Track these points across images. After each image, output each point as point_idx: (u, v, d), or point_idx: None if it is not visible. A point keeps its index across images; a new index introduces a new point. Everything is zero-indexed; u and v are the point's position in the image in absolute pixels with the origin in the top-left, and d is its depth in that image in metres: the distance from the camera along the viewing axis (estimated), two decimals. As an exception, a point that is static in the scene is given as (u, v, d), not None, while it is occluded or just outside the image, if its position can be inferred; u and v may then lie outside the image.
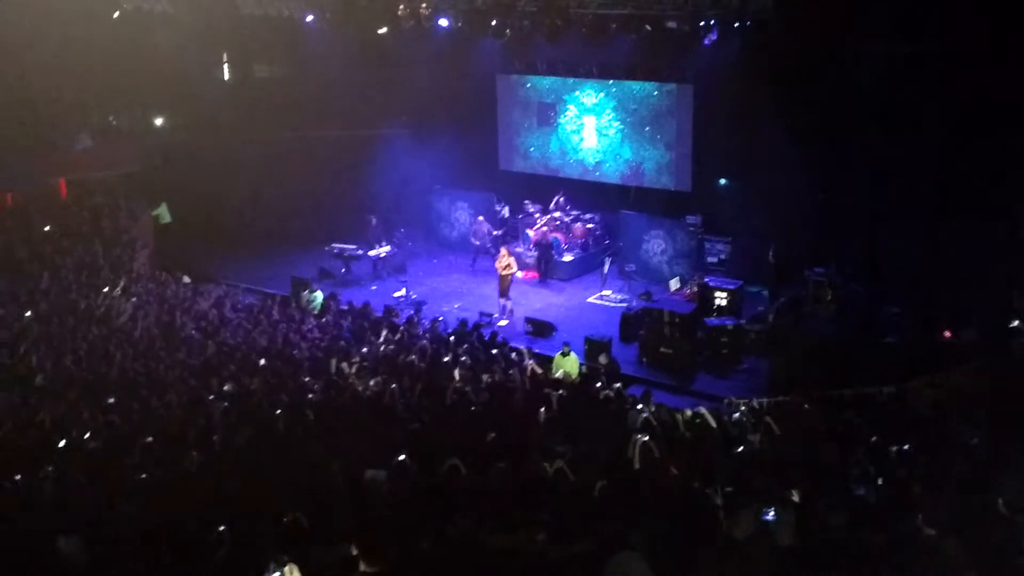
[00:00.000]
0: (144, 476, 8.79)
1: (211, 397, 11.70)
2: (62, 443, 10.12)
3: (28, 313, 15.53)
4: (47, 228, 20.28)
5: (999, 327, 13.53)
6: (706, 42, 18.74)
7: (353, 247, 21.49)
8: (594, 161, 22.98)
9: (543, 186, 23.37)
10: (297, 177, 23.15)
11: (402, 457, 8.56)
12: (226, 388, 12.25)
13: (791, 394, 12.69)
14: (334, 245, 21.57)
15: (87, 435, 10.43)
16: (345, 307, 17.05)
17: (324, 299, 18.06)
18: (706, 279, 18.64)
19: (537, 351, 15.37)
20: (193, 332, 15.15)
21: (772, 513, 6.98)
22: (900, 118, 17.05)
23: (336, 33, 22.47)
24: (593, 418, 11.09)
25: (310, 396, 11.64)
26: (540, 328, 17.75)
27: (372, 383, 12.25)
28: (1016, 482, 7.67)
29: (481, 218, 22.13)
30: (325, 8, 22.18)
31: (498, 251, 19.68)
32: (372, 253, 21.41)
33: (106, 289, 17.02)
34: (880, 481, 8.32)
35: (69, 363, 13.36)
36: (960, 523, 6.98)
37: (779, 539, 6.83)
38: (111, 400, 11.61)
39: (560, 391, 12.12)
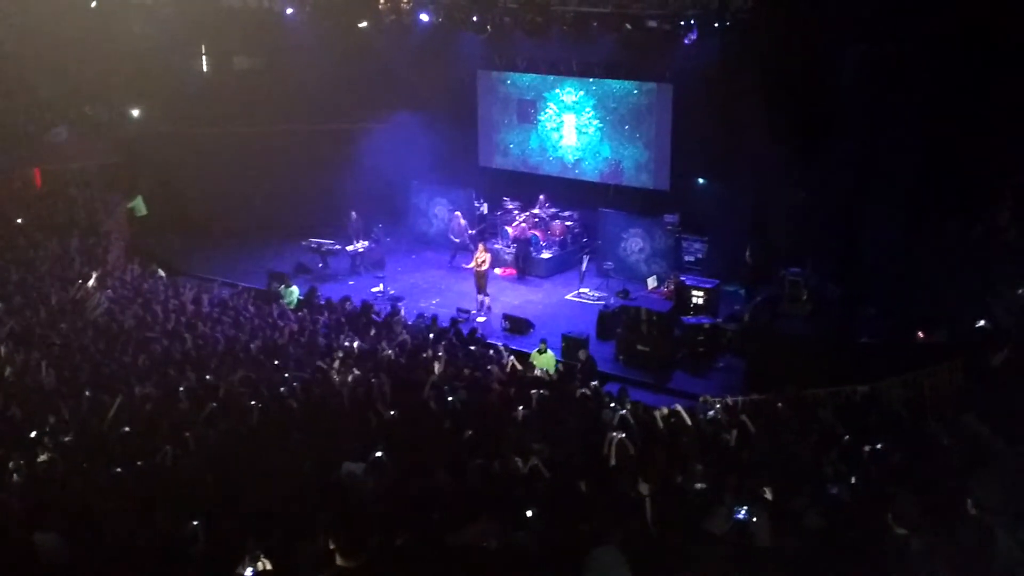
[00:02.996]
0: (119, 470, 8.72)
1: (181, 389, 11.61)
2: (32, 435, 10.03)
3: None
4: (19, 220, 20.03)
5: (972, 328, 13.66)
6: (686, 41, 18.80)
7: (331, 242, 21.38)
8: (573, 159, 23.01)
9: (522, 183, 23.39)
10: (275, 170, 22.99)
11: (379, 453, 8.54)
12: (203, 380, 12.18)
13: (766, 393, 12.76)
14: (311, 240, 21.45)
15: (59, 429, 10.33)
16: (323, 303, 16.97)
17: (306, 292, 18.01)
18: (683, 278, 18.73)
19: (514, 348, 15.36)
20: (169, 325, 15.03)
21: (744, 511, 7.03)
22: (878, 119, 17.17)
23: (316, 26, 22.37)
24: (569, 415, 11.10)
25: (284, 389, 11.58)
26: (518, 325, 17.75)
27: (350, 378, 12.21)
28: (986, 482, 7.74)
29: (458, 213, 22.07)
30: (305, 1, 22.08)
31: (476, 247, 19.67)
32: (350, 248, 21.30)
33: (79, 281, 16.85)
34: (853, 480, 8.38)
35: (41, 356, 13.20)
36: (930, 523, 7.05)
37: (755, 539, 6.87)
38: (86, 393, 11.49)
39: (537, 388, 12.12)
